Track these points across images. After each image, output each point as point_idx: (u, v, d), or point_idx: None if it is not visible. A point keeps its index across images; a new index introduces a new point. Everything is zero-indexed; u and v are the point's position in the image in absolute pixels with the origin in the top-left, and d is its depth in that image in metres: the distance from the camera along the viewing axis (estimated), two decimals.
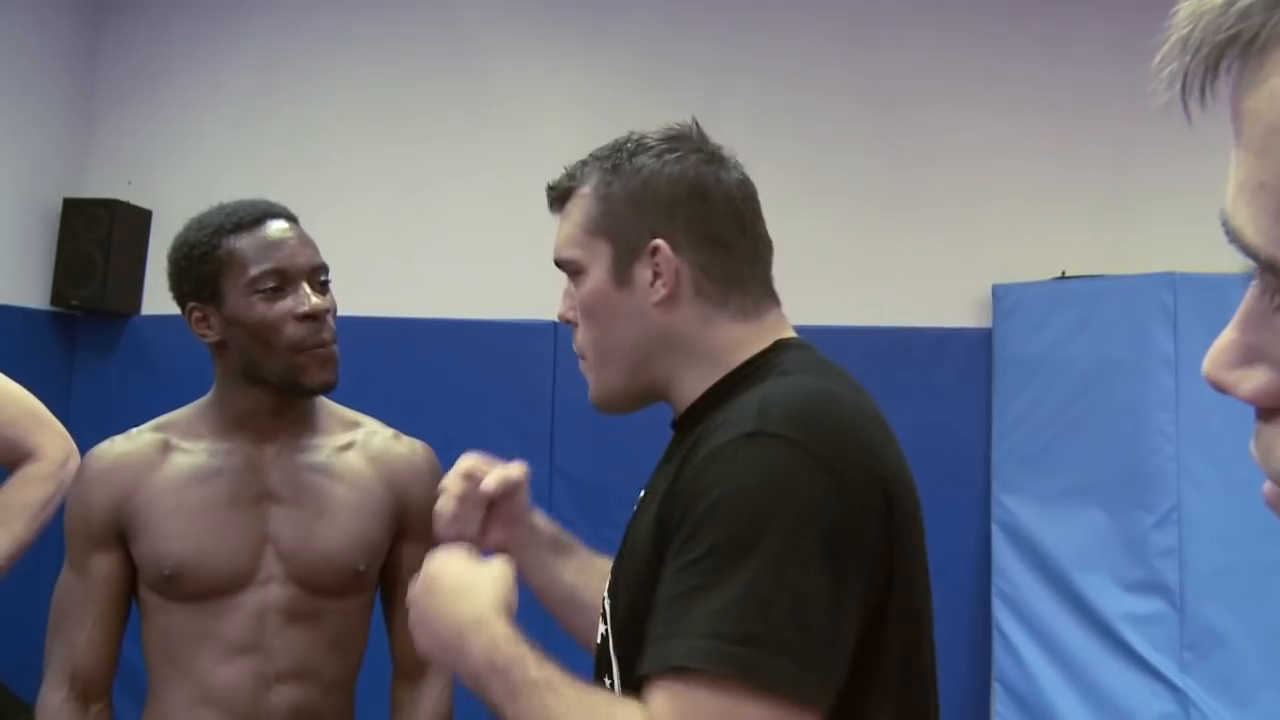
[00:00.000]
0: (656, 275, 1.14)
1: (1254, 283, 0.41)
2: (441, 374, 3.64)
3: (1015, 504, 3.29)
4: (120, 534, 1.63)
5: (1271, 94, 0.36)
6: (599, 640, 1.16)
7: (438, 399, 3.52)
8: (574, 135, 3.63)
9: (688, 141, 1.19)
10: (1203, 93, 0.39)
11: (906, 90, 3.55)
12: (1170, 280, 3.15)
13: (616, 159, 1.18)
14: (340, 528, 1.66)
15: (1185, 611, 3.05)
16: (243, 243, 1.61)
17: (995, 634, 3.22)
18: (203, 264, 1.61)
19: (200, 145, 3.96)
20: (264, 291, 1.60)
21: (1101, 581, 3.15)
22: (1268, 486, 0.43)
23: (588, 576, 1.37)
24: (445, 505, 1.33)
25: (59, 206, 3.84)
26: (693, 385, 1.15)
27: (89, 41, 4.02)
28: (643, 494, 1.23)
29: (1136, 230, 3.41)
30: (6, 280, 3.64)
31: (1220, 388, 0.42)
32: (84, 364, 3.95)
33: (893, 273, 3.50)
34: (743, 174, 1.21)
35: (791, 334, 1.20)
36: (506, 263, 3.70)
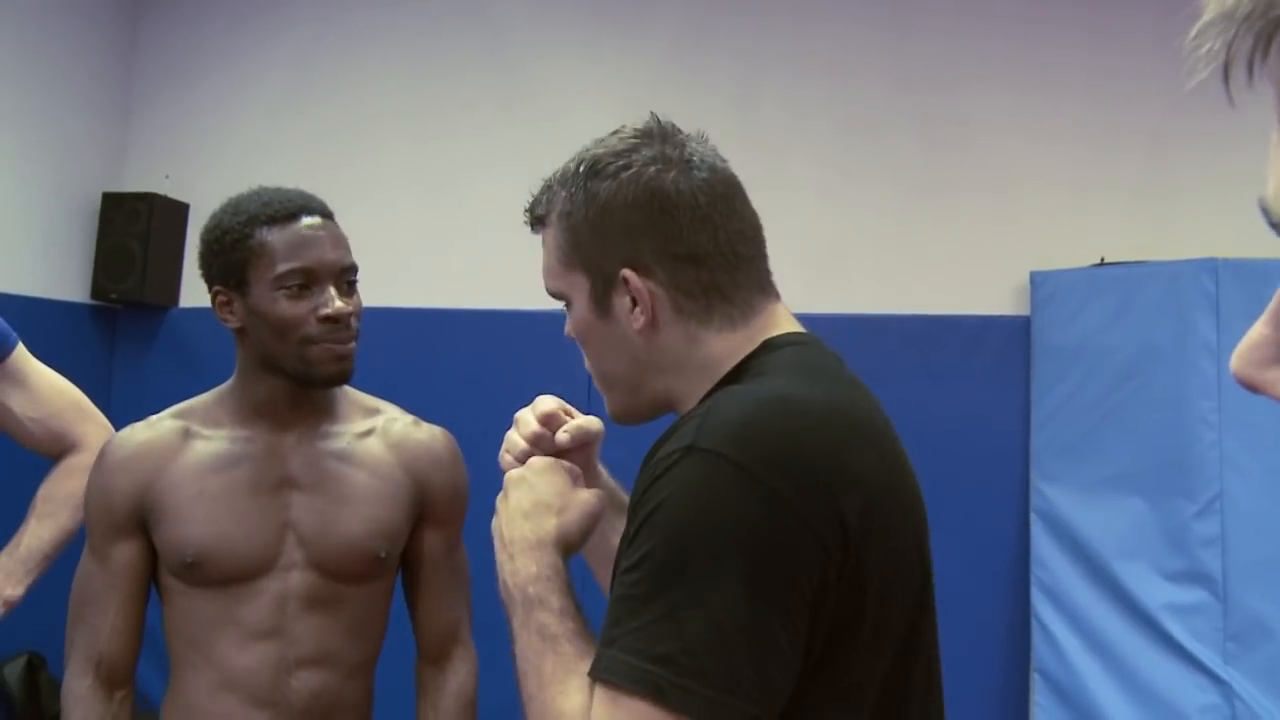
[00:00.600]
0: (634, 303, 1.11)
1: None
2: (477, 365, 3.66)
3: (1054, 493, 3.25)
4: (142, 521, 1.64)
5: None
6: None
7: (473, 390, 3.54)
8: (608, 126, 3.62)
9: (644, 149, 1.12)
10: (1250, 69, 0.36)
11: (944, 75, 3.52)
12: (1212, 266, 3.10)
13: (574, 184, 1.14)
14: (360, 514, 1.66)
15: (1228, 602, 3.01)
16: (274, 236, 1.61)
17: (1034, 624, 3.19)
18: (233, 251, 1.62)
19: (236, 139, 3.99)
20: (289, 289, 1.60)
21: (1142, 571, 3.11)
22: None
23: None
24: (516, 443, 1.31)
25: (98, 201, 3.89)
26: (693, 395, 1.13)
27: (127, 37, 4.06)
28: None
29: (1177, 215, 3.36)
30: (48, 274, 3.69)
31: (1251, 387, 0.40)
32: (124, 356, 4.00)
33: (930, 260, 3.47)
34: (711, 169, 1.13)
35: (784, 329, 1.15)
36: (540, 253, 3.69)
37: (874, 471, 1.03)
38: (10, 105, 3.57)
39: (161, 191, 3.91)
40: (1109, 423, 3.21)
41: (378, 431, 1.74)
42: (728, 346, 1.11)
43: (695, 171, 1.12)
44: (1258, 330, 0.40)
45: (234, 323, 1.66)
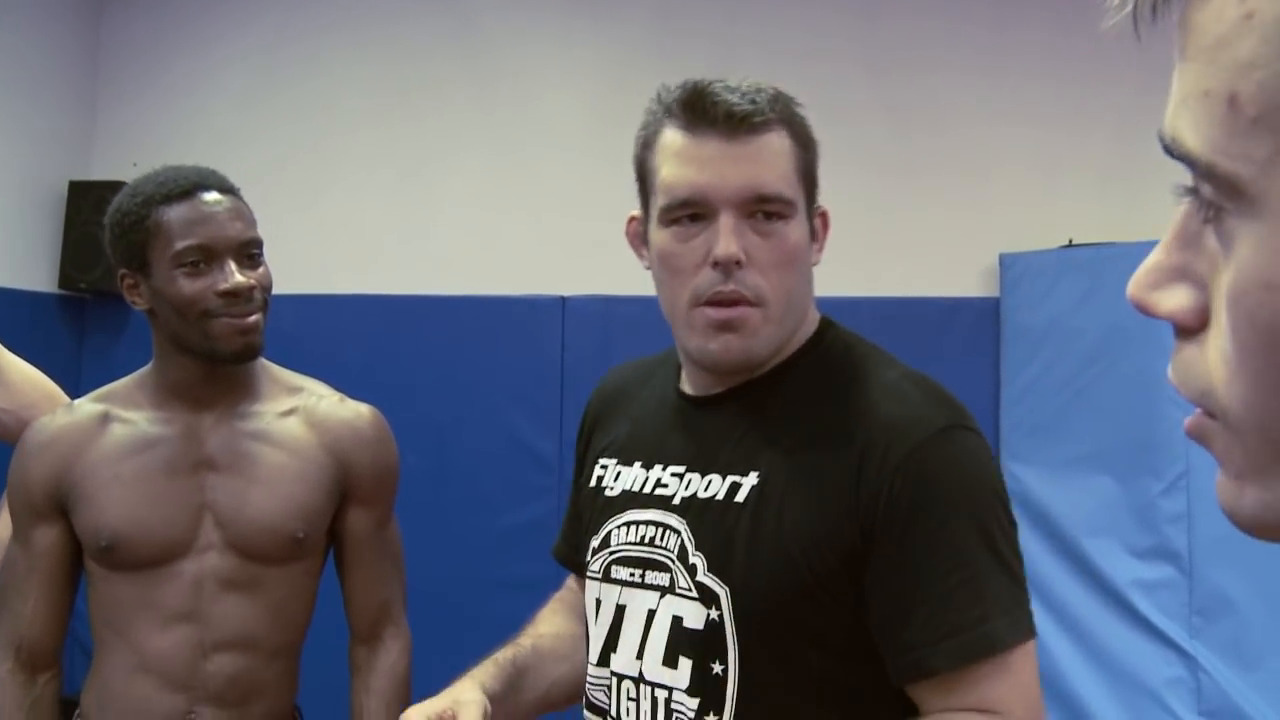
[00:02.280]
0: (814, 237, 1.19)
1: (1187, 201, 0.42)
2: (451, 351, 3.65)
3: (1024, 472, 3.30)
4: (60, 505, 1.64)
5: (1220, 6, 0.38)
6: (702, 626, 1.12)
7: (447, 376, 3.53)
8: (579, 109, 3.63)
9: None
10: (1154, 11, 0.41)
11: (914, 59, 3.54)
12: None
13: (790, 107, 1.17)
14: (278, 494, 1.64)
15: (1194, 577, 3.06)
16: (170, 215, 1.59)
17: None
18: (133, 233, 1.61)
19: (205, 126, 3.95)
20: (186, 266, 1.58)
21: (1111, 548, 3.16)
22: (1189, 421, 0.43)
23: (538, 673, 1.33)
24: None
25: (65, 190, 3.84)
26: (784, 349, 1.18)
27: (91, 24, 4.02)
28: (683, 470, 1.19)
29: (1145, 197, 3.38)
30: (14, 264, 3.65)
31: (1142, 308, 0.43)
32: (93, 346, 3.97)
33: (900, 242, 3.49)
34: None
35: None
36: (514, 238, 3.70)
37: None
38: None
39: (129, 180, 3.87)
40: (1078, 403, 3.25)
41: (300, 410, 1.71)
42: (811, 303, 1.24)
43: None
44: (1153, 256, 0.44)
45: (142, 304, 1.65)
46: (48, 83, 3.85)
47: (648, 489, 1.21)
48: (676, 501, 1.17)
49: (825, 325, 1.23)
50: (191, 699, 1.61)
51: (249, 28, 4.00)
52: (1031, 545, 3.25)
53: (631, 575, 1.19)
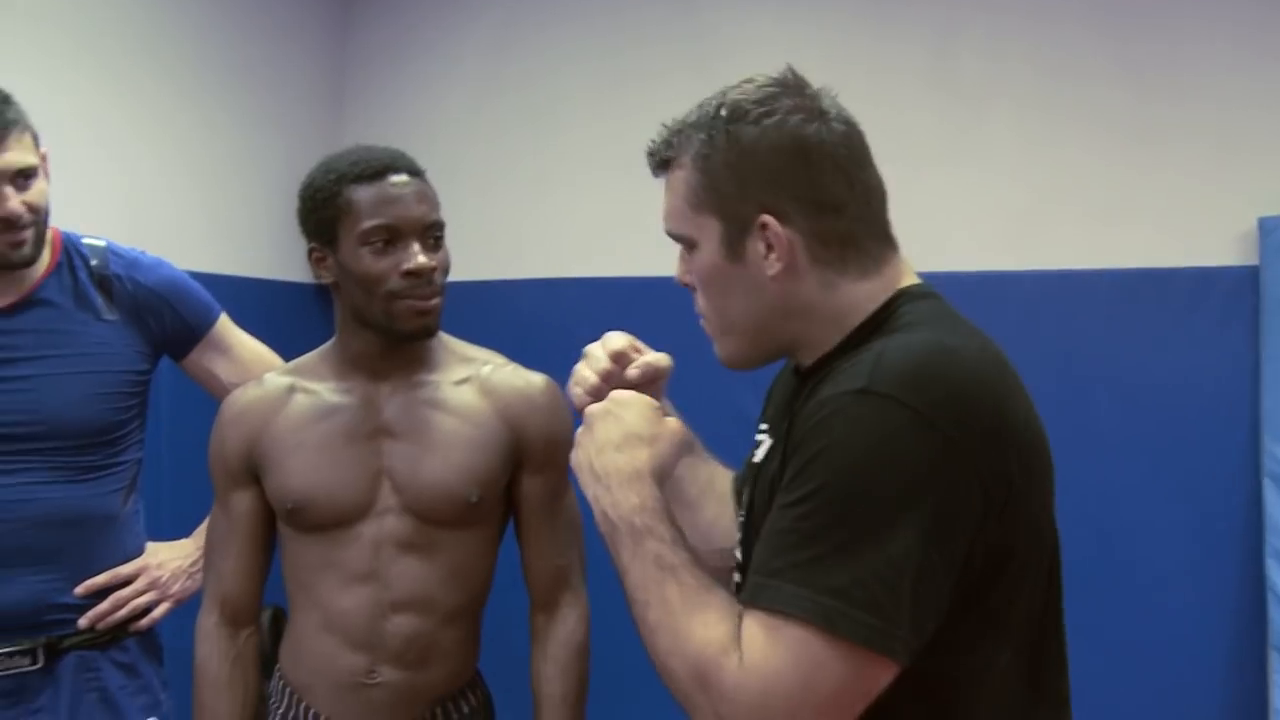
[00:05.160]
0: (770, 249, 1.12)
1: None
2: (668, 332, 3.68)
3: None
4: (253, 471, 1.76)
5: None
6: (734, 589, 1.18)
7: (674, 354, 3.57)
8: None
9: (784, 99, 1.14)
10: None
11: (1153, 16, 3.30)
12: None
13: (712, 127, 1.14)
14: (451, 460, 1.70)
15: None
16: (360, 194, 1.67)
17: (1270, 597, 3.00)
18: (324, 209, 1.70)
19: (443, 122, 4.14)
20: (373, 245, 1.66)
21: None
22: None
23: (710, 486, 1.43)
24: (586, 378, 1.35)
25: None
26: (819, 341, 1.16)
27: (341, 23, 4.27)
28: (762, 435, 1.25)
29: None
30: (272, 258, 3.93)
31: None
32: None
33: (1143, 209, 3.27)
34: (846, 122, 1.15)
35: (914, 280, 1.18)
36: None
37: (1025, 420, 1.06)
38: (234, 98, 3.82)
39: None
40: None
41: (474, 379, 1.77)
42: (862, 293, 1.14)
43: (834, 124, 1.14)
44: None
45: (328, 278, 1.73)
46: (300, 83, 4.12)
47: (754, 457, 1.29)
48: (754, 460, 1.27)
49: (889, 304, 1.15)
50: (373, 658, 1.69)
51: (478, 23, 4.15)
52: None
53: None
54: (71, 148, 3.13)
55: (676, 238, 1.21)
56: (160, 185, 3.52)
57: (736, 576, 1.21)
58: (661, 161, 1.21)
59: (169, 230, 3.43)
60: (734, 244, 1.14)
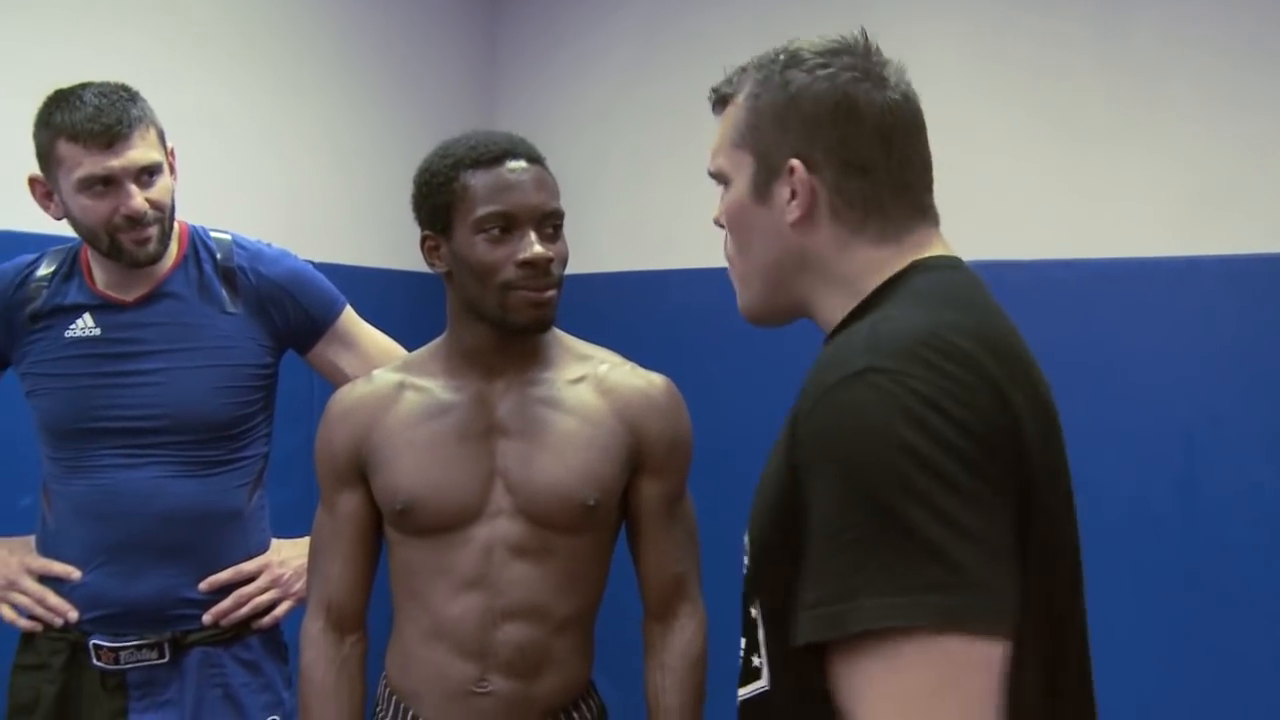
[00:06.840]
0: (794, 195, 1.12)
1: None
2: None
3: None
4: (361, 471, 1.68)
5: None
6: (745, 572, 1.15)
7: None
8: (964, 58, 3.42)
9: (846, 56, 1.14)
10: None
11: None
12: None
13: (769, 70, 1.16)
14: (568, 461, 1.61)
15: None
16: (477, 180, 1.58)
17: None
18: (438, 195, 1.61)
19: (593, 112, 4.12)
20: (488, 232, 1.57)
21: None
22: None
23: None
24: None
25: None
26: (832, 308, 1.14)
27: (490, 14, 4.30)
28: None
29: None
30: (410, 249, 3.99)
31: None
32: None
33: None
34: (903, 93, 1.14)
35: (935, 252, 1.13)
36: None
37: (1026, 398, 1.00)
38: (387, 94, 3.87)
39: None
40: None
41: (590, 378, 1.68)
42: (876, 259, 1.11)
43: (889, 91, 1.13)
44: None
45: (440, 267, 1.65)
46: (452, 77, 4.14)
47: None
48: None
49: (899, 276, 1.10)
50: (484, 667, 1.62)
51: (628, 9, 4.11)
52: None
53: None
54: (237, 144, 3.26)
55: (714, 174, 1.22)
56: (315, 182, 3.58)
57: (745, 559, 1.13)
58: (720, 98, 1.23)
59: (323, 224, 3.50)
60: (762, 185, 1.15)
